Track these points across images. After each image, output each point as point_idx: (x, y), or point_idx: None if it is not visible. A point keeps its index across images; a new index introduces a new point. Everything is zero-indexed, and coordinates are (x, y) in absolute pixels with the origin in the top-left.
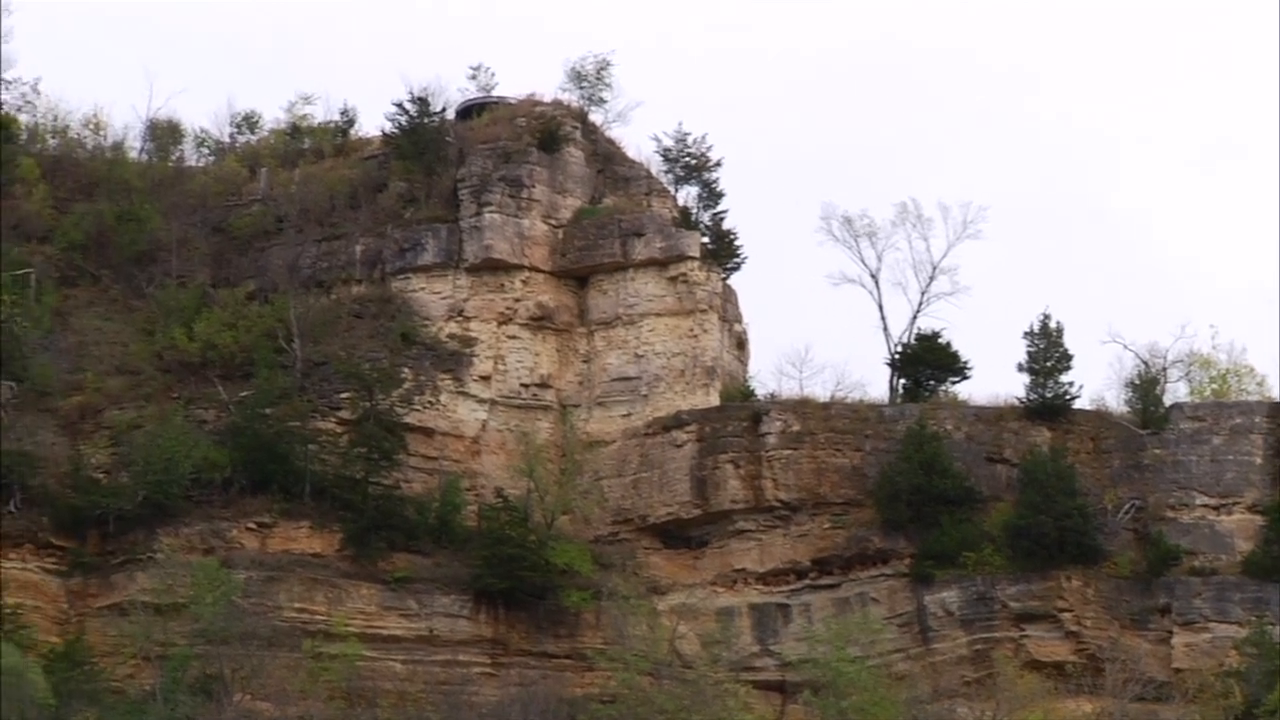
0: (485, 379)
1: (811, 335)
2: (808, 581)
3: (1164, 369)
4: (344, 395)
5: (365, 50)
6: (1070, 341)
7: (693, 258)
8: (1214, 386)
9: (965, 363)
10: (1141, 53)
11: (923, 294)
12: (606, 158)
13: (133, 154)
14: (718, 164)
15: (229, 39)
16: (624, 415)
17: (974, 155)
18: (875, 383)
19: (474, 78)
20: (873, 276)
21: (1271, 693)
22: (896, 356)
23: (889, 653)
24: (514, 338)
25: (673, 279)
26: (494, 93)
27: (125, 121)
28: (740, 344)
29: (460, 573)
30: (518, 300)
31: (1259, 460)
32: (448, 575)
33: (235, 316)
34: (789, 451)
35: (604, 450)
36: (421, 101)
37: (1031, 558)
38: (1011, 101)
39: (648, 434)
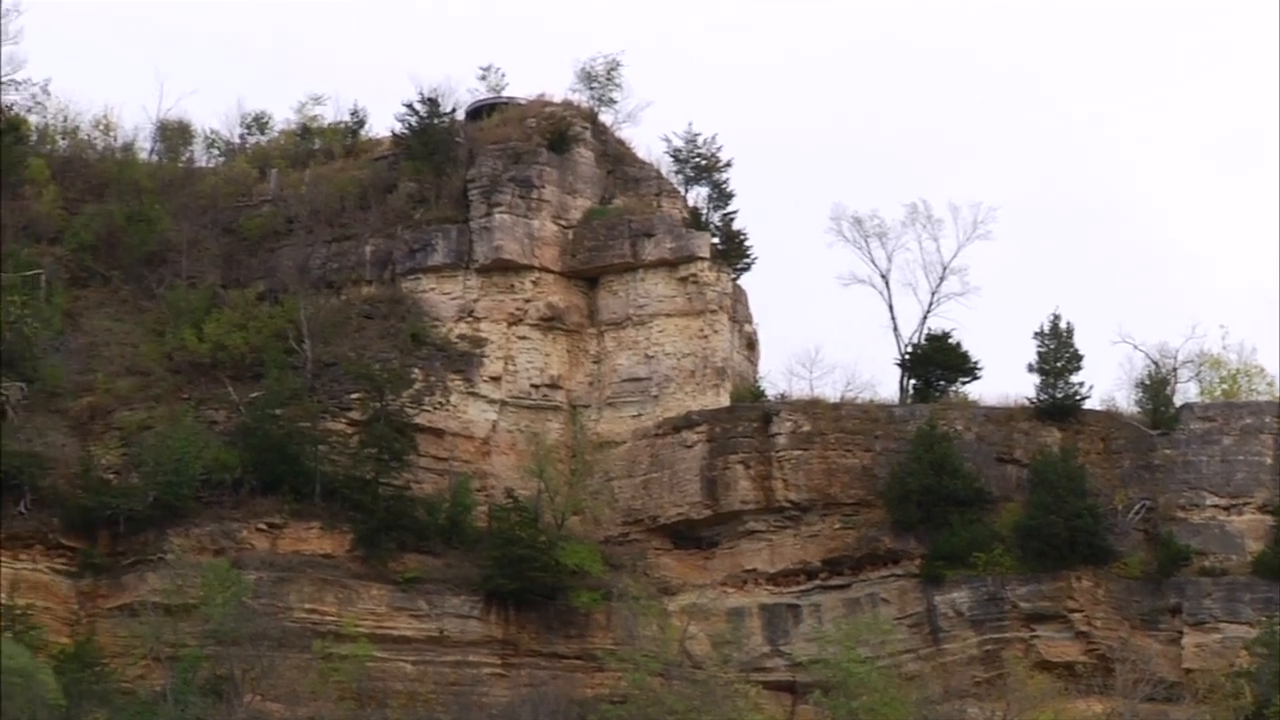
0: (495, 380)
1: (822, 336)
2: (818, 582)
3: (1174, 369)
4: (354, 396)
5: (375, 51)
6: (1080, 342)
7: (703, 258)
8: (1224, 387)
9: (975, 363)
10: (1151, 52)
11: (933, 294)
12: (616, 158)
13: (143, 155)
14: (728, 164)
15: (239, 40)
16: (634, 416)
17: (984, 156)
18: (885, 383)
19: (484, 78)
20: (883, 277)
21: None
22: (907, 357)
23: (899, 653)
24: (524, 338)
25: (683, 279)
26: (504, 93)
27: (135, 122)
28: (750, 344)
29: (471, 573)
30: (528, 301)
31: (1269, 460)
32: (458, 576)
33: (245, 317)
34: (799, 452)
35: (614, 451)
36: (431, 102)
37: (1042, 558)
38: (1021, 102)
39: (658, 434)
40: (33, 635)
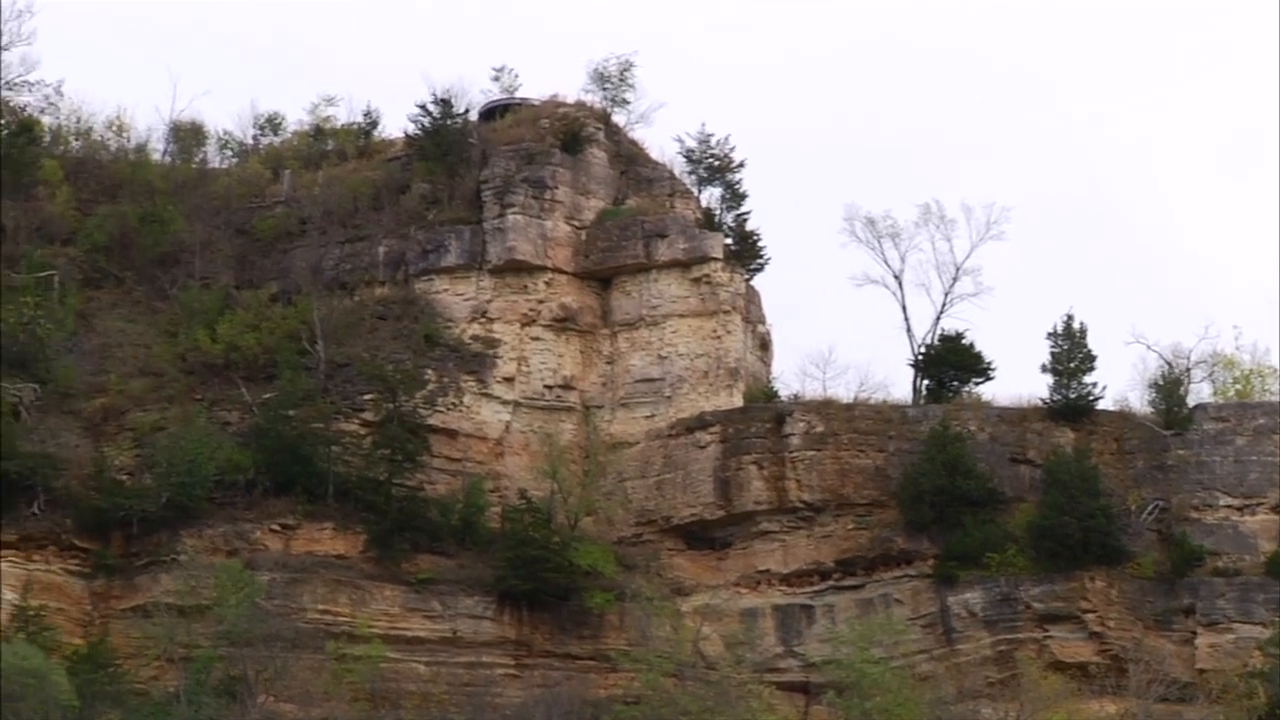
0: (509, 380)
1: (835, 336)
2: (831, 582)
3: (1187, 370)
4: (367, 397)
5: (388, 52)
6: (1094, 342)
7: (716, 259)
8: (1237, 387)
9: (989, 363)
10: (1164, 52)
11: (946, 295)
12: (630, 159)
13: (156, 156)
14: (741, 165)
15: (252, 41)
16: (647, 416)
17: (997, 156)
18: (898, 384)
19: (497, 79)
20: (896, 277)
21: None
22: (920, 357)
23: (913, 654)
24: (537, 339)
25: (696, 280)
26: (517, 94)
27: (148, 123)
28: (763, 345)
29: (484, 574)
30: (541, 302)
31: None
32: (471, 577)
33: (258, 318)
34: (812, 452)
35: (627, 451)
36: (444, 103)
37: (1055, 558)
38: (1034, 103)
39: (671, 435)
40: (46, 636)
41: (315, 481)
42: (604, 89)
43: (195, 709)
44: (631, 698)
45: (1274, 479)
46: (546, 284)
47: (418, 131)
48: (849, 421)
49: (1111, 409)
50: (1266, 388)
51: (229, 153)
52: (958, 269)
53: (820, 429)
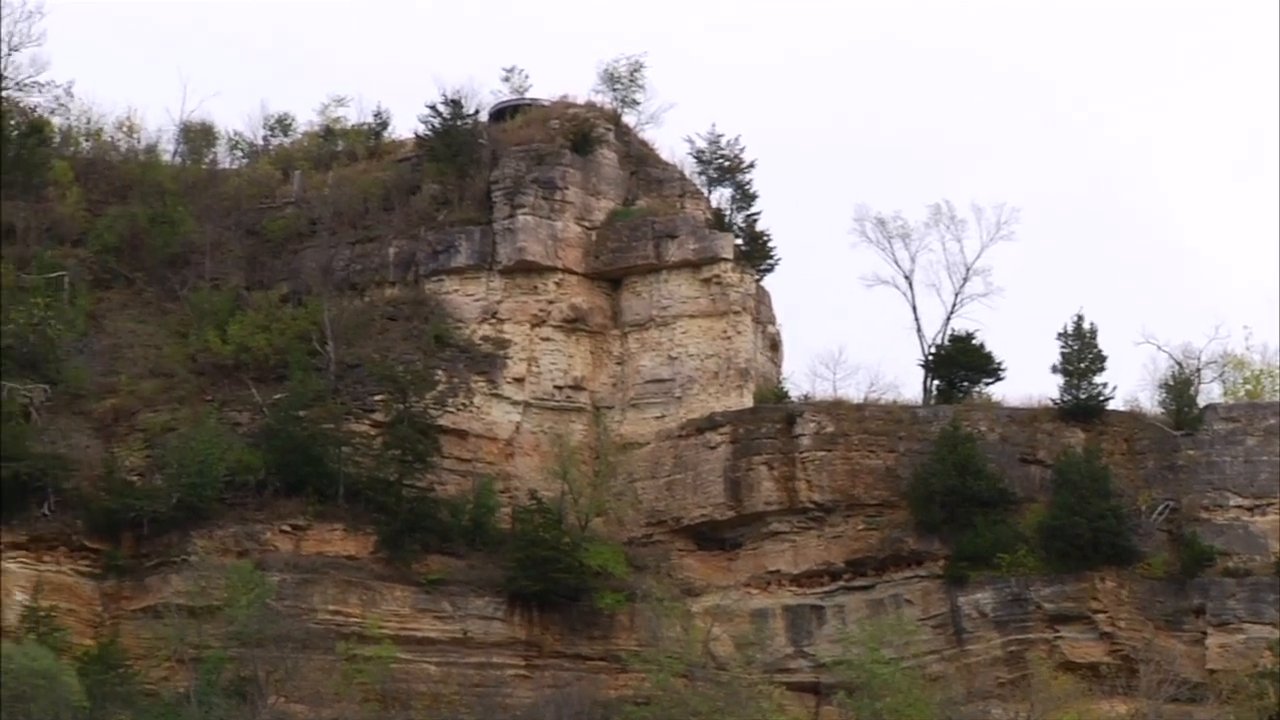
0: (519, 381)
1: (845, 337)
2: (842, 583)
3: (1198, 370)
4: (377, 397)
5: (398, 52)
6: (1104, 343)
7: (726, 259)
8: (1248, 387)
9: (999, 364)
10: (1172, 52)
11: (956, 295)
12: (640, 160)
13: (166, 157)
14: (751, 166)
15: (262, 42)
16: (658, 417)
17: (1007, 157)
18: (909, 384)
19: (507, 80)
20: (906, 278)
21: None
22: (930, 358)
23: (923, 654)
24: (547, 340)
25: (706, 281)
26: (527, 95)
27: (159, 124)
28: (774, 345)
29: (494, 575)
30: (551, 302)
31: None
32: (482, 577)
33: (269, 319)
34: (823, 453)
35: (638, 452)
36: (455, 104)
37: (1065, 559)
38: (1045, 103)
39: (681, 436)
40: (57, 637)
41: (326, 482)
42: (614, 90)
43: (206, 710)
44: (642, 698)
45: None
46: (557, 284)
47: (428, 132)
48: (859, 422)
49: (1122, 409)
50: (1277, 388)
51: (239, 153)
52: (968, 269)
53: (831, 429)
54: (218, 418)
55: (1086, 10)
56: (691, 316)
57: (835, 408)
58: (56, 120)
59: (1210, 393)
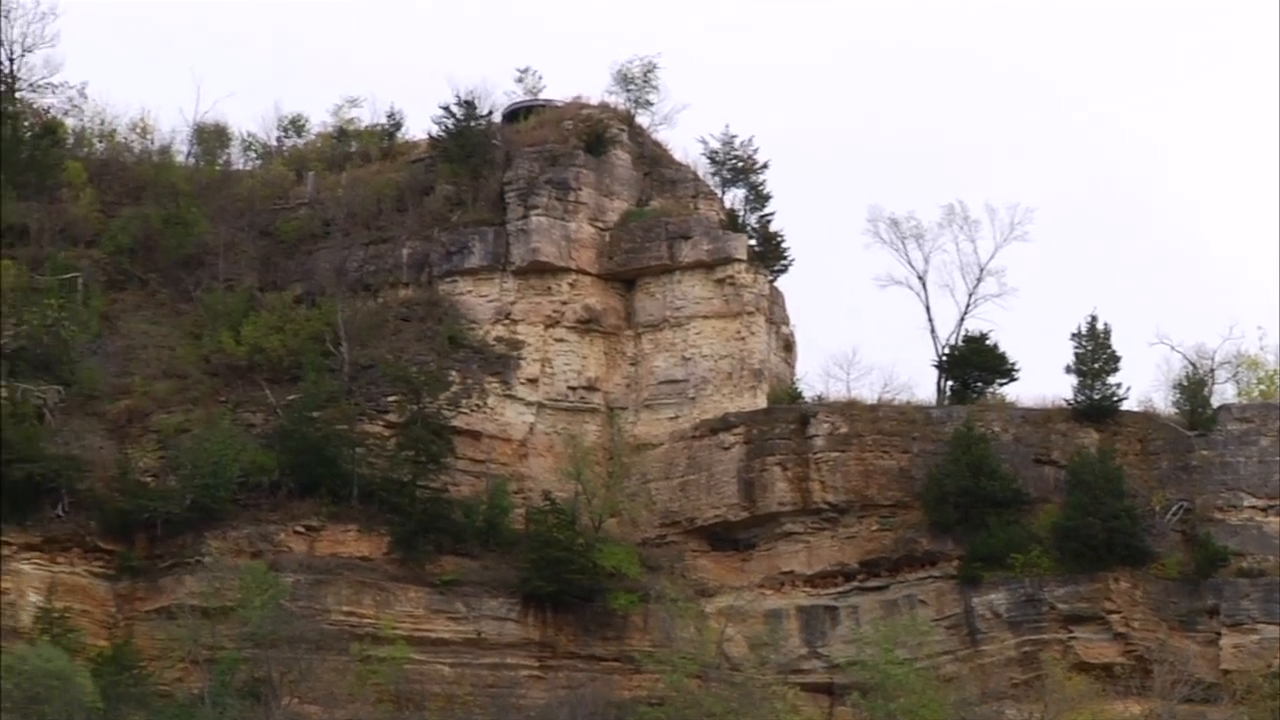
0: (532, 382)
1: (859, 337)
2: (855, 584)
3: (1211, 370)
4: (391, 398)
5: (412, 53)
6: (1118, 343)
7: (740, 260)
8: (1261, 388)
9: (1013, 364)
10: (1189, 52)
11: (970, 296)
12: (653, 160)
13: (180, 158)
14: (764, 166)
15: (276, 42)
16: (671, 418)
17: (1021, 157)
18: (923, 385)
19: (520, 80)
20: (920, 278)
21: None
22: (944, 358)
23: (937, 655)
24: (561, 340)
25: (720, 281)
26: (540, 95)
27: (172, 125)
28: (787, 346)
29: (508, 575)
30: (565, 303)
31: None
32: (495, 578)
33: (282, 320)
34: (836, 453)
35: (651, 453)
36: (468, 104)
37: (1079, 559)
38: (1058, 103)
39: (695, 436)
40: (70, 638)
41: (339, 483)
42: (628, 90)
43: (220, 711)
44: (656, 699)
45: None
46: (570, 285)
47: (441, 133)
48: (873, 423)
49: (1136, 410)
50: None
51: (253, 154)
52: (981, 270)
53: (844, 430)
54: (231, 419)
55: (1102, 10)
56: (705, 317)
57: (849, 408)
58: (70, 121)
59: (1224, 393)
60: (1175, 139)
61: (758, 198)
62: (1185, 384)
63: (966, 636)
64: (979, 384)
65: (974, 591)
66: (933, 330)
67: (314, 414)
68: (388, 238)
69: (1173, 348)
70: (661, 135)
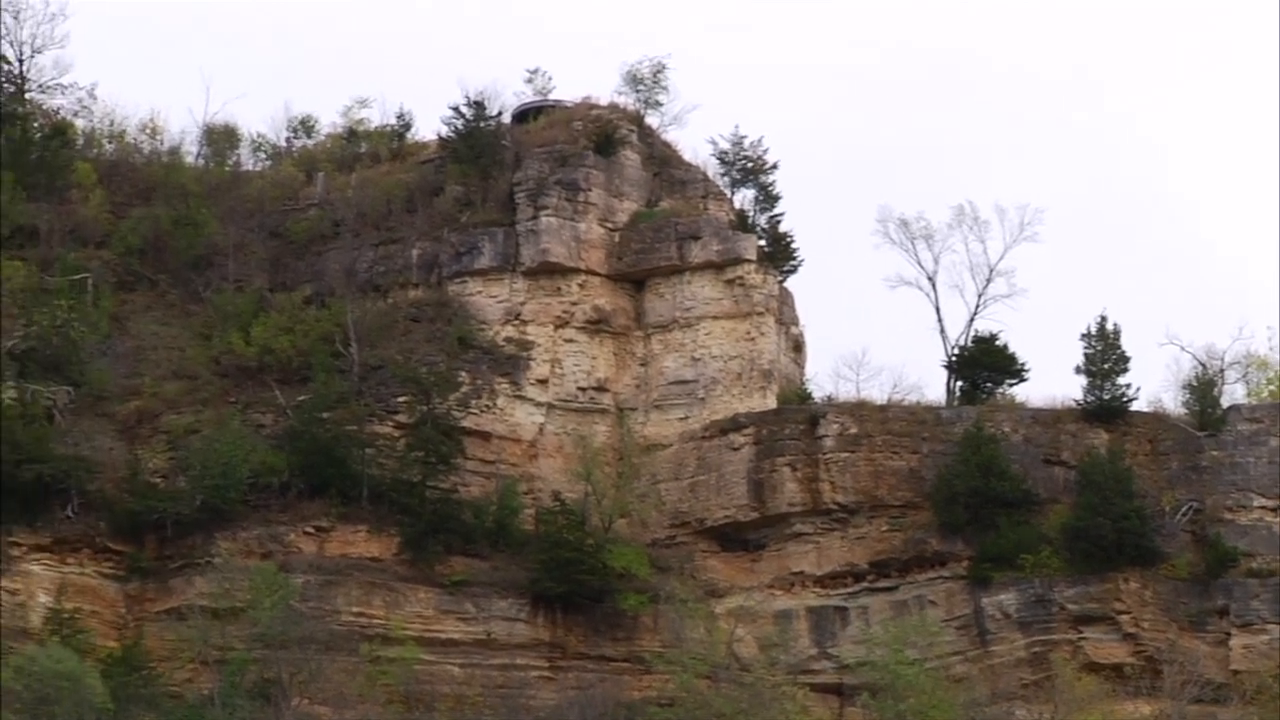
0: (542, 382)
1: (868, 338)
2: (865, 584)
3: (1221, 371)
4: (401, 399)
5: (421, 54)
6: (1128, 343)
7: (749, 260)
8: (1271, 388)
9: (1022, 365)
10: (1195, 53)
11: (980, 296)
12: (663, 161)
13: (189, 159)
14: (774, 167)
15: (286, 43)
16: (681, 418)
17: (1030, 158)
18: (932, 385)
19: (530, 81)
20: (929, 279)
21: None
22: (953, 359)
23: (947, 655)
24: (571, 341)
25: (729, 282)
26: (550, 96)
27: (182, 126)
28: (797, 347)
29: (518, 576)
30: (574, 304)
31: None
32: (505, 579)
33: (292, 321)
34: (846, 454)
35: (661, 453)
36: (478, 105)
37: (1089, 560)
38: (1067, 104)
39: (705, 437)
40: (80, 639)
41: (349, 484)
42: (637, 91)
43: (229, 712)
44: (665, 700)
45: None
46: (580, 286)
47: (451, 134)
48: (883, 423)
49: (1145, 410)
50: None
51: (262, 155)
52: (991, 270)
53: (854, 431)
54: (241, 419)
55: (1103, 10)
56: (715, 318)
57: (859, 409)
58: (80, 122)
59: (1234, 393)
60: (1176, 139)
61: (767, 198)
62: (1195, 384)
63: (976, 637)
64: (989, 384)
65: (984, 592)
66: (942, 331)
67: (324, 415)
68: (397, 238)
69: (1182, 348)
70: (671, 136)
